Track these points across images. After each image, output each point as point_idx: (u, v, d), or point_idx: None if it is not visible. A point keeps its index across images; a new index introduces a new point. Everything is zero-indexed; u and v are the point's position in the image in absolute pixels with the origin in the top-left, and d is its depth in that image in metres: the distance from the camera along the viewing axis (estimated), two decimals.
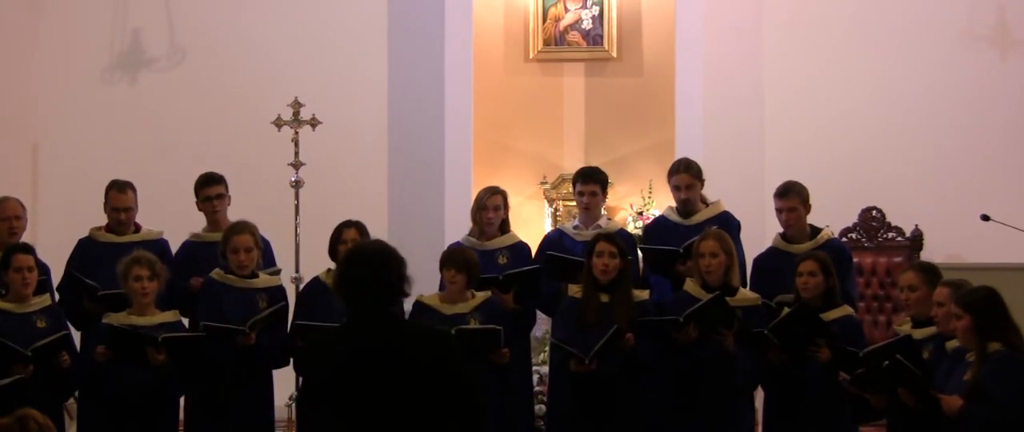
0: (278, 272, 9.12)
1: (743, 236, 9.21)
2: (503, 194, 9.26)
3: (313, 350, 5.45)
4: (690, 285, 8.44)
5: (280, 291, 8.70)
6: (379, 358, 5.16)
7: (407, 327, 5.37)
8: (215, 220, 9.23)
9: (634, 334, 8.27)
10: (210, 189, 9.25)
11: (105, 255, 8.89)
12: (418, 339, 5.29)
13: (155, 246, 8.93)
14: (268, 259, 9.12)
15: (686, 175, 9.15)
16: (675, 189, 9.22)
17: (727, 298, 8.24)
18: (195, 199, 9.33)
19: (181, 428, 8.68)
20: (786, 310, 8.24)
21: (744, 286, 8.66)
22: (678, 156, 10.13)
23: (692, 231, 8.87)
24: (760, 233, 9.26)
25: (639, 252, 9.31)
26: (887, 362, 7.05)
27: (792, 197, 8.91)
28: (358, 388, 5.14)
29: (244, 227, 8.69)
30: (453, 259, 8.48)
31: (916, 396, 6.92)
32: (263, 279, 8.63)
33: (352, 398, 5.15)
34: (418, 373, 5.17)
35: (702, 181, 9.22)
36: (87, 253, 9.08)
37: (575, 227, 9.32)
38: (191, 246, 9.20)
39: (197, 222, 9.48)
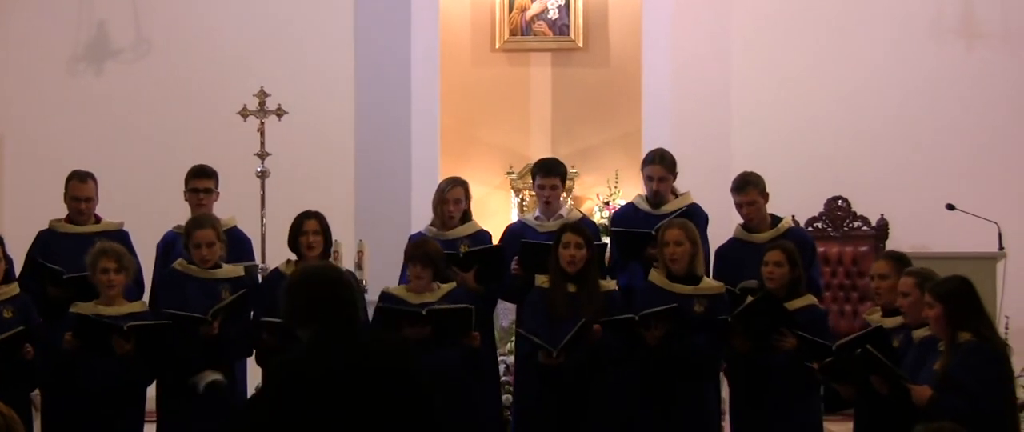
0: (255, 268, 9.09)
1: (710, 228, 9.19)
2: (465, 185, 9.20)
3: (273, 387, 5.28)
4: (655, 275, 8.41)
5: (243, 281, 8.62)
6: (343, 385, 5.13)
7: (366, 346, 5.31)
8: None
9: (606, 324, 8.24)
10: (200, 181, 9.18)
11: (66, 246, 8.86)
12: (377, 356, 5.25)
13: (115, 237, 8.79)
14: (248, 256, 9.15)
15: (660, 167, 9.09)
16: (648, 179, 9.16)
17: (691, 286, 8.26)
18: (184, 188, 9.27)
19: (152, 418, 8.62)
20: (750, 298, 8.24)
21: (707, 276, 8.62)
22: (645, 146, 10.15)
23: (660, 220, 8.79)
24: (727, 224, 9.17)
25: (607, 238, 9.27)
26: (858, 351, 7.05)
27: (750, 190, 8.87)
28: (325, 416, 5.11)
29: (206, 221, 8.63)
30: (416, 255, 8.42)
31: (888, 385, 6.91)
32: (226, 269, 8.58)
33: (318, 424, 5.12)
34: (380, 393, 5.15)
35: (675, 173, 9.17)
36: (47, 244, 9.00)
37: (537, 218, 9.29)
38: (174, 238, 9.10)
39: (163, 213, 9.44)
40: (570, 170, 11.11)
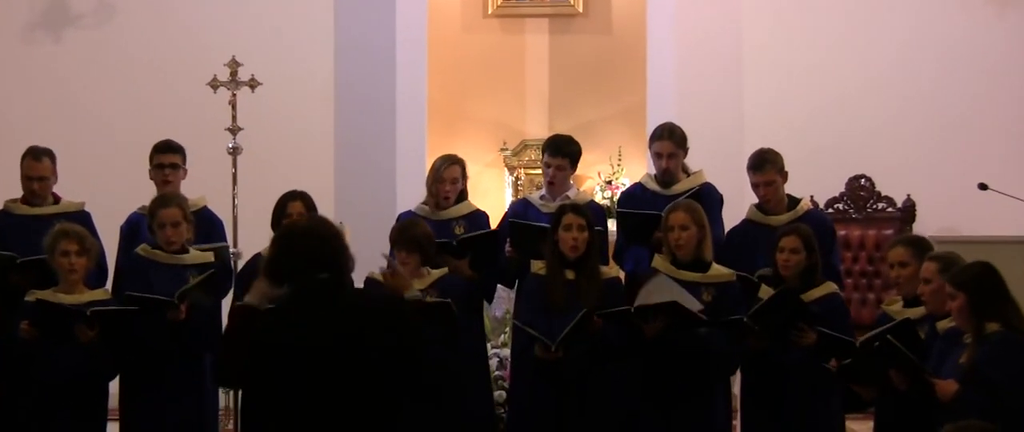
0: (226, 250, 9.04)
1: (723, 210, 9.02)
2: (462, 164, 9.00)
3: (261, 343, 5.33)
4: (660, 261, 8.18)
5: (213, 267, 8.46)
6: (333, 344, 5.21)
7: (358, 306, 5.39)
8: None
9: (602, 318, 8.07)
10: (165, 156, 9.03)
11: (21, 228, 8.66)
12: (372, 317, 5.33)
13: (75, 219, 8.62)
14: (219, 238, 9.06)
15: (669, 143, 8.86)
16: (656, 156, 8.93)
17: (698, 273, 8.07)
18: (149, 165, 9.12)
19: (115, 416, 8.48)
20: (764, 287, 8.05)
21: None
22: (650, 121, 10.16)
23: (670, 201, 8.53)
24: (738, 204, 9.04)
25: (611, 222, 9.14)
26: (877, 343, 6.82)
27: (768, 170, 8.65)
28: (314, 373, 5.17)
29: (171, 199, 8.47)
30: (401, 240, 8.25)
31: (909, 379, 6.66)
32: (194, 255, 8.41)
33: (309, 384, 5.16)
34: (374, 354, 5.21)
35: (685, 149, 8.95)
36: (1, 227, 8.78)
37: (542, 198, 9.07)
38: (139, 220, 8.90)
39: (128, 192, 9.24)
40: None
